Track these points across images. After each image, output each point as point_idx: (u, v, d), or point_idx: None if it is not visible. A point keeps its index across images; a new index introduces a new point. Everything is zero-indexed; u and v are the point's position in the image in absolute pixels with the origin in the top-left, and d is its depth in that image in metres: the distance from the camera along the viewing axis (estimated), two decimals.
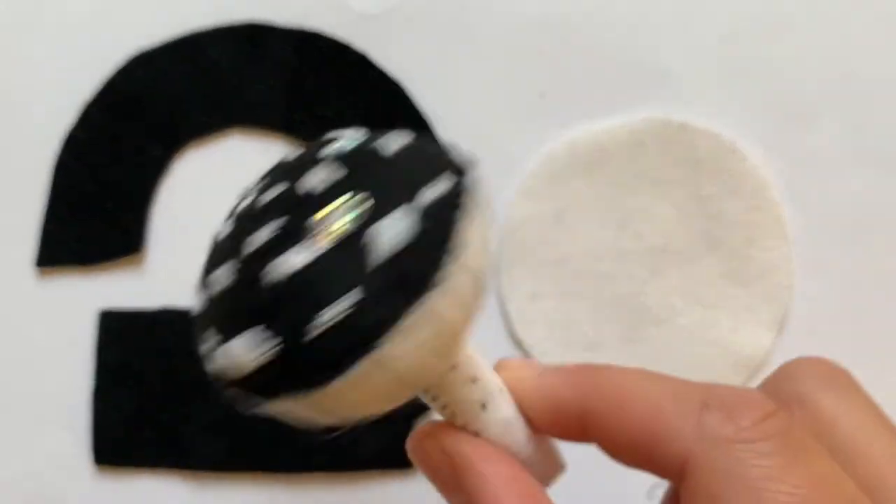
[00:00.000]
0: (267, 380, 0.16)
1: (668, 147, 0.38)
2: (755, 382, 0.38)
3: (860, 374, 0.38)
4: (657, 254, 0.39)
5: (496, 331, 0.39)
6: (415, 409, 0.38)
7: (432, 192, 0.17)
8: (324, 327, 0.15)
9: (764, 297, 0.38)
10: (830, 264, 0.38)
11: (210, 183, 0.39)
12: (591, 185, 0.39)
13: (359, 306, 0.15)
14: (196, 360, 0.39)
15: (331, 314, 0.15)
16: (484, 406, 0.21)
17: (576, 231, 0.39)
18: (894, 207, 0.38)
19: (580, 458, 0.25)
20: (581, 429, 0.21)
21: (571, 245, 0.39)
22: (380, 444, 0.38)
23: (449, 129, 0.39)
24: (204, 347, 0.18)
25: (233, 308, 0.17)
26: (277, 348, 0.16)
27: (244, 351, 0.16)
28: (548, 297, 0.39)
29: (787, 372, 0.23)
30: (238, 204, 0.19)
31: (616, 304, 0.39)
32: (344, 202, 0.16)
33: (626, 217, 0.39)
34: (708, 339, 0.38)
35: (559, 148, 0.39)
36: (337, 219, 0.16)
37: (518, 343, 0.39)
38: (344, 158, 0.17)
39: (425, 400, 0.21)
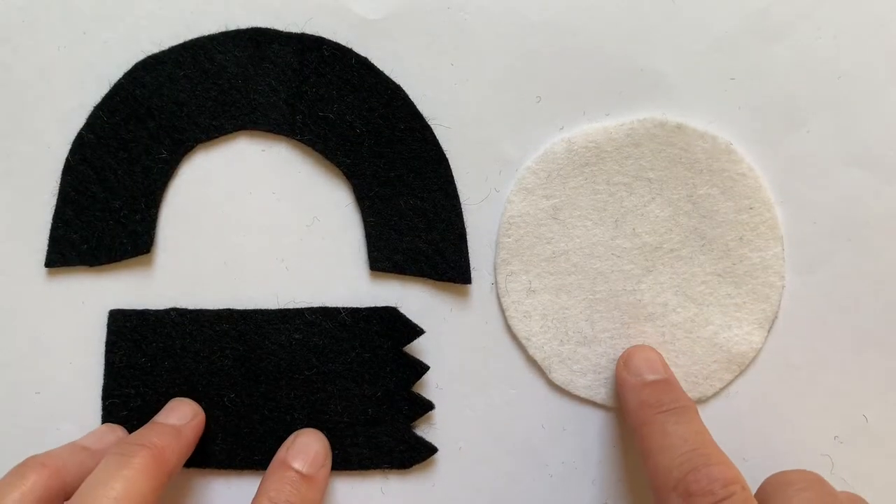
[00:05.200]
0: None
1: (663, 147, 0.37)
2: (746, 379, 0.38)
3: (849, 374, 0.38)
4: (652, 251, 0.38)
5: (493, 324, 0.38)
6: (415, 411, 0.38)
7: None
8: None
9: (756, 296, 0.37)
10: (821, 264, 0.38)
11: (217, 185, 0.39)
12: (588, 183, 0.38)
13: None
14: (203, 360, 0.39)
15: None
16: None
17: (572, 228, 0.38)
18: (885, 208, 0.37)
19: None
20: None
21: (567, 241, 0.38)
22: (380, 445, 0.38)
23: (447, 131, 0.38)
24: None
25: None
26: None
27: None
28: (544, 292, 0.38)
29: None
30: None
31: (610, 300, 0.38)
32: None
33: (621, 215, 0.38)
34: (700, 336, 0.38)
35: (557, 146, 0.38)
36: None
37: (514, 336, 0.38)
38: None
39: None
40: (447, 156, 0.38)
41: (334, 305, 0.38)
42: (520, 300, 0.38)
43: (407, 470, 0.38)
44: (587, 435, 0.38)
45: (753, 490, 0.32)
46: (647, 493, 0.38)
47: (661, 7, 0.37)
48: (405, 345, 0.38)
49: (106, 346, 0.38)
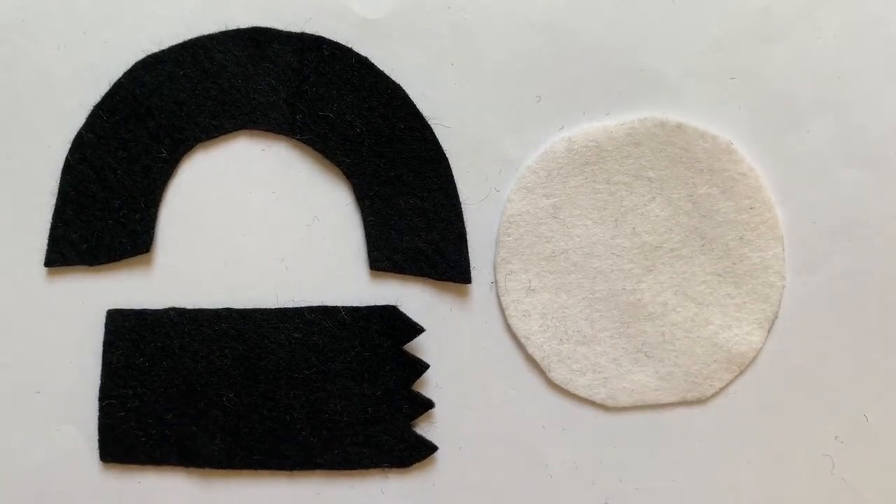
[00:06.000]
0: None
1: (664, 147, 0.37)
2: (746, 379, 0.38)
3: (849, 374, 0.38)
4: (651, 251, 0.38)
5: (493, 323, 0.38)
6: (415, 409, 0.38)
7: None
8: None
9: (756, 296, 0.37)
10: (821, 264, 0.38)
11: (217, 184, 0.38)
12: (588, 182, 0.38)
13: None
14: (202, 359, 0.39)
15: None
16: None
17: (572, 227, 0.38)
18: (885, 208, 0.37)
19: None
20: None
21: (567, 240, 0.38)
22: (380, 443, 0.37)
23: (447, 131, 0.38)
24: None
25: None
26: None
27: None
28: (543, 291, 0.38)
29: None
30: None
31: (610, 299, 0.38)
32: None
33: (621, 214, 0.38)
34: (700, 336, 0.37)
35: (558, 145, 0.37)
36: None
37: (514, 335, 0.38)
38: None
39: None
40: (447, 155, 0.38)
41: (334, 305, 0.38)
42: (519, 299, 0.38)
43: (407, 469, 0.38)
44: (587, 435, 0.38)
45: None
46: (647, 493, 0.38)
47: (661, 7, 0.37)
48: (405, 343, 0.37)
49: (104, 346, 0.38)
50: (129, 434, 0.38)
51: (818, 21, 0.37)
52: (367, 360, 0.37)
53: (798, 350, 0.38)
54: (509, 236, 0.38)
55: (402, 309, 0.38)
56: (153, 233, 0.38)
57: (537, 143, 0.38)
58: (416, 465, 0.38)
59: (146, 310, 0.38)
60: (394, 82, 0.38)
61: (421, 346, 0.38)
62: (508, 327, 0.38)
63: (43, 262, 0.38)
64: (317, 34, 0.38)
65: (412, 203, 0.38)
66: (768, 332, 0.38)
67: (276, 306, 0.38)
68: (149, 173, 0.38)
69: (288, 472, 0.38)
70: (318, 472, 0.38)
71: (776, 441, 0.38)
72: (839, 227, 0.37)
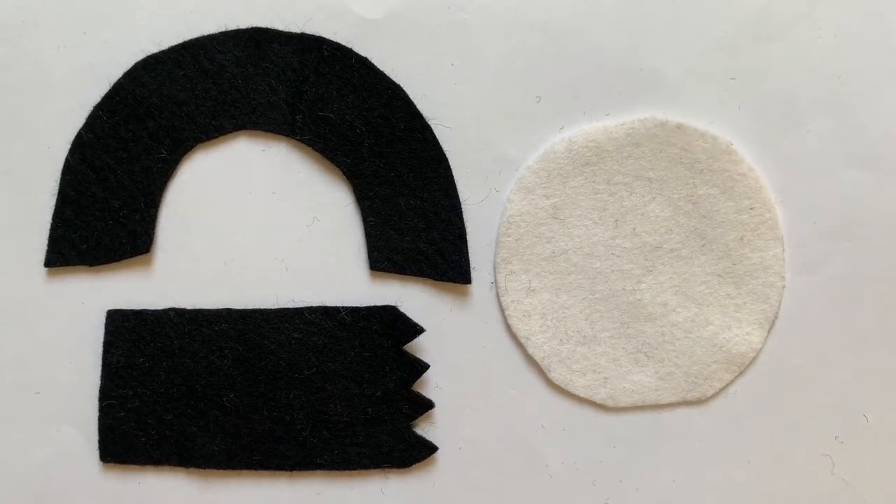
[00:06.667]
0: None
1: (664, 147, 0.37)
2: (746, 379, 0.38)
3: (849, 374, 0.38)
4: (652, 251, 0.38)
5: (493, 324, 0.38)
6: (415, 410, 0.38)
7: None
8: None
9: (756, 296, 0.37)
10: (821, 264, 0.38)
11: (217, 185, 0.38)
12: (588, 182, 0.38)
13: None
14: (202, 360, 0.39)
15: None
16: None
17: (572, 227, 0.38)
18: (885, 208, 0.37)
19: None
20: None
21: (567, 241, 0.38)
22: (380, 444, 0.37)
23: (447, 131, 0.38)
24: None
25: None
26: None
27: None
28: (543, 291, 0.38)
29: None
30: None
31: (610, 299, 0.38)
32: None
33: (621, 215, 0.38)
34: (700, 336, 0.37)
35: (558, 146, 0.37)
36: None
37: (514, 336, 0.38)
38: None
39: None
40: (447, 156, 0.38)
41: (334, 305, 0.38)
42: (519, 299, 0.38)
43: (407, 469, 0.38)
44: (587, 435, 0.38)
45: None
46: (647, 493, 0.38)
47: (660, 7, 0.37)
48: (405, 343, 0.37)
49: (103, 346, 0.38)
50: (129, 434, 0.38)
51: (818, 21, 0.37)
52: (367, 360, 0.37)
53: (798, 350, 0.38)
54: (509, 237, 0.38)
55: (402, 309, 0.38)
56: (153, 233, 0.38)
57: (537, 143, 0.38)
58: (416, 465, 0.38)
59: (146, 310, 0.38)
60: (394, 82, 0.37)
61: (421, 346, 0.38)
62: (508, 328, 0.38)
63: (43, 262, 0.38)
64: (317, 34, 0.38)
65: (412, 203, 0.38)
66: (768, 332, 0.38)
67: (276, 306, 0.38)
68: (149, 173, 0.38)
69: (288, 472, 0.38)
70: (318, 472, 0.38)
71: (776, 441, 0.38)
72: (839, 227, 0.37)
